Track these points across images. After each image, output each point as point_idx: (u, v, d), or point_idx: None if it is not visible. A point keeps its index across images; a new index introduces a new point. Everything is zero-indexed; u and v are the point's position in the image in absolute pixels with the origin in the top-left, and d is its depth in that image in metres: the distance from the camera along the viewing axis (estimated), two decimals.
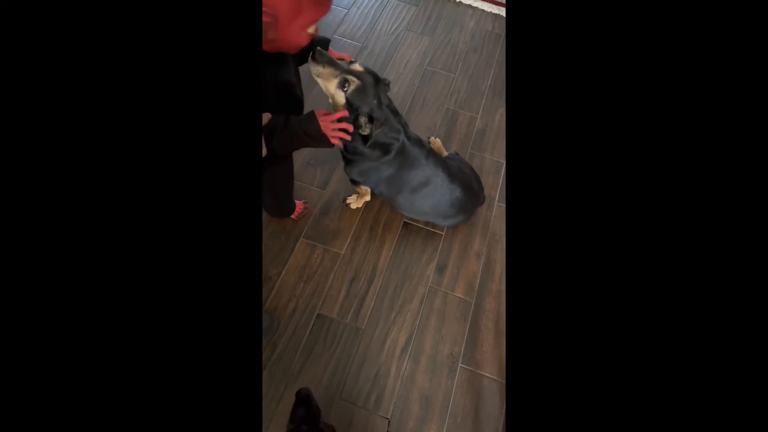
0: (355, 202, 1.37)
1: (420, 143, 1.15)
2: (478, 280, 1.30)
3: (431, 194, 1.20)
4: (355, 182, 1.23)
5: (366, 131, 0.99)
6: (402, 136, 1.09)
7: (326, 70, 0.93)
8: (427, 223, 1.38)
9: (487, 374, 1.17)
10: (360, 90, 0.95)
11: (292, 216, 1.32)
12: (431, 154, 1.17)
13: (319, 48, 0.90)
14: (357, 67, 0.96)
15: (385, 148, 1.09)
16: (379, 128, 1.01)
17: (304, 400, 0.87)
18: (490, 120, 1.62)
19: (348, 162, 1.16)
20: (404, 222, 1.38)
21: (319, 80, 0.94)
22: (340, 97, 0.96)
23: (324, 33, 1.77)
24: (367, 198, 1.37)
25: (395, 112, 1.07)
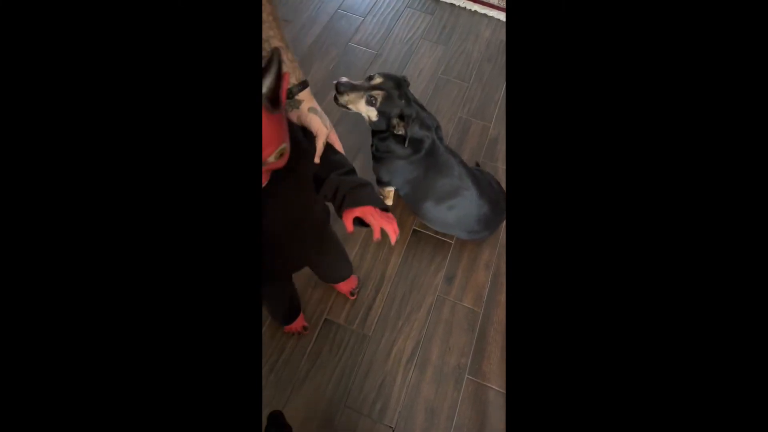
0: None
1: (452, 151, 1.16)
2: (486, 291, 1.29)
3: (458, 207, 1.19)
4: (381, 182, 1.24)
5: (401, 131, 1.06)
6: (432, 134, 1.11)
7: (352, 95, 1.02)
8: (437, 231, 1.37)
9: (494, 387, 1.15)
10: (387, 98, 1.03)
11: None
12: (463, 164, 1.17)
13: (338, 80, 0.96)
14: (377, 79, 1.03)
15: (416, 145, 1.11)
16: (411, 124, 1.06)
17: (274, 423, 0.81)
18: (503, 129, 1.61)
19: (377, 160, 1.18)
20: (414, 230, 1.38)
21: (351, 106, 1.04)
22: (373, 112, 1.04)
23: (340, 41, 1.79)
24: (389, 203, 1.37)
25: (423, 108, 1.11)
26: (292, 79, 0.63)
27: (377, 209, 0.62)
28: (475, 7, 1.95)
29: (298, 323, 1.15)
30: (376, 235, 0.61)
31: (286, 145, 0.53)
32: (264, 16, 0.59)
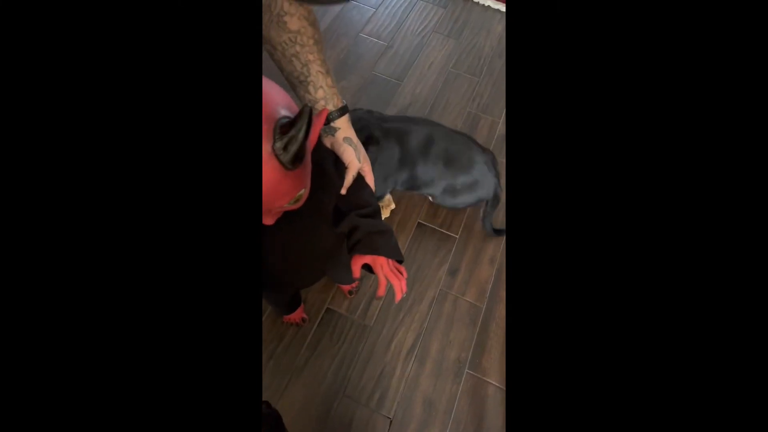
0: (383, 214, 1.38)
1: (395, 117, 1.21)
2: (490, 286, 1.28)
3: (441, 154, 1.19)
4: (379, 197, 1.25)
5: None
6: (366, 116, 1.14)
7: None
8: (441, 224, 1.37)
9: (493, 382, 1.14)
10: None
11: None
12: (421, 119, 1.22)
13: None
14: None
15: (370, 140, 1.13)
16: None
17: (263, 421, 0.72)
18: None
19: None
20: (418, 222, 1.37)
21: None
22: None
23: (351, 31, 1.78)
24: (393, 206, 1.36)
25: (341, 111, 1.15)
26: (329, 106, 0.61)
27: (390, 261, 0.59)
28: (489, 2, 1.93)
29: (298, 314, 1.15)
30: (380, 292, 0.58)
31: (304, 191, 0.50)
32: (304, 39, 0.57)
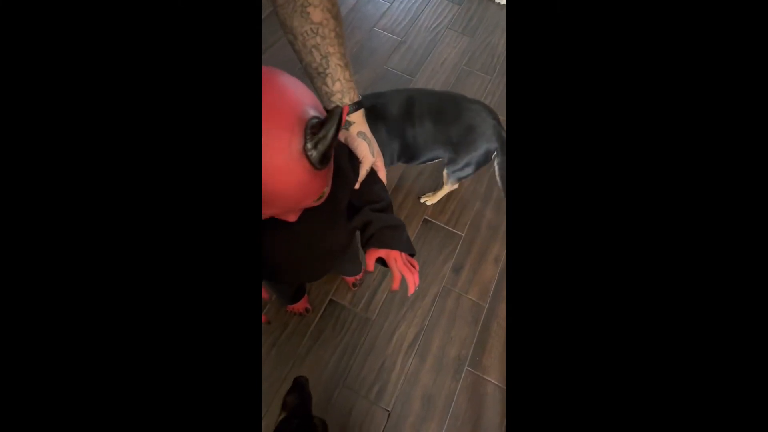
0: None
1: (374, 94, 1.17)
2: (493, 285, 1.28)
3: (426, 111, 1.14)
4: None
5: None
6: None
7: None
8: (447, 222, 1.37)
9: (492, 380, 1.15)
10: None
11: None
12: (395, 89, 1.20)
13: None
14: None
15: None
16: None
17: (297, 387, 0.81)
18: None
19: None
20: (424, 219, 1.37)
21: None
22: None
23: (365, 25, 1.78)
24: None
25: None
26: (345, 99, 0.62)
27: (403, 255, 0.60)
28: (504, 0, 1.92)
29: (302, 304, 1.16)
30: (395, 285, 0.59)
31: (327, 188, 0.50)
32: (326, 32, 0.58)
